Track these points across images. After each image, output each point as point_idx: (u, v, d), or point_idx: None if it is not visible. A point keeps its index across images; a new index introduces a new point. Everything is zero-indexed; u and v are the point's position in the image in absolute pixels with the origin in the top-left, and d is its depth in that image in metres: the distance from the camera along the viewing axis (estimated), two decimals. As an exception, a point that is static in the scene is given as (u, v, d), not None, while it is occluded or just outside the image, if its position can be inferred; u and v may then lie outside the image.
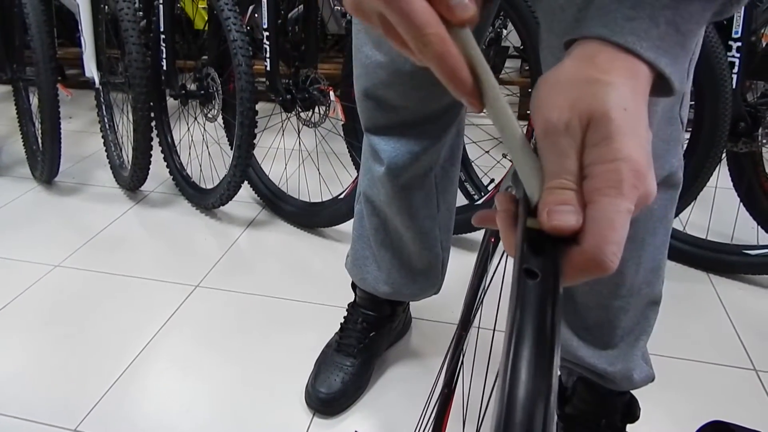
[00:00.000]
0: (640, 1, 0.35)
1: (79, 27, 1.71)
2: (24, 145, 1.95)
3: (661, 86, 0.37)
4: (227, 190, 1.56)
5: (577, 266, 0.31)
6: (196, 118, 1.78)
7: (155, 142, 1.71)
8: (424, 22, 0.32)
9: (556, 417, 0.24)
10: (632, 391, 0.88)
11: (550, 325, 0.27)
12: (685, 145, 1.32)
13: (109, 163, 1.88)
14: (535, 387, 0.24)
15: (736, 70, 1.23)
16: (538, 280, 0.28)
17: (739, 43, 1.21)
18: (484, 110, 0.35)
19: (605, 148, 0.31)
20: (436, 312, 1.24)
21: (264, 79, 1.52)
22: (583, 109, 0.32)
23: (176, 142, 1.84)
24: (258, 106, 1.46)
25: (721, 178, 1.39)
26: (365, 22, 0.34)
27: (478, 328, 0.65)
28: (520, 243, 0.31)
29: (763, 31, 1.43)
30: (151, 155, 1.68)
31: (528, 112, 0.40)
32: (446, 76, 0.33)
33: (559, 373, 0.26)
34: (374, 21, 0.33)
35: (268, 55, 1.48)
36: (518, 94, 2.46)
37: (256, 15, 1.61)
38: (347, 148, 1.53)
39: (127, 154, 1.82)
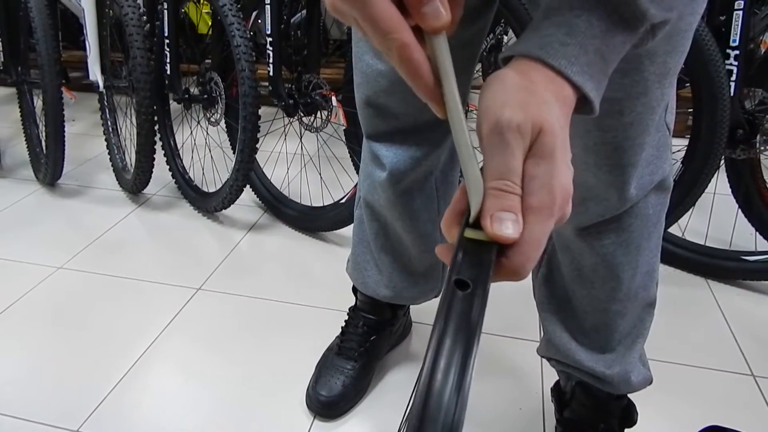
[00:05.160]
0: (574, 29, 0.38)
1: (84, 31, 1.72)
2: (27, 147, 1.96)
3: (582, 108, 0.40)
4: (229, 194, 1.57)
5: (501, 274, 0.33)
6: (199, 122, 1.79)
7: (158, 146, 1.72)
8: (387, 26, 0.33)
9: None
10: (630, 396, 0.89)
11: (472, 338, 0.27)
12: (683, 152, 1.34)
13: (112, 166, 1.89)
14: (448, 402, 0.25)
15: (734, 77, 1.24)
16: (468, 292, 0.29)
17: (737, 51, 1.23)
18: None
19: (547, 166, 0.33)
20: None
21: (267, 84, 1.53)
22: (535, 116, 0.34)
23: (179, 146, 1.85)
24: (260, 111, 1.47)
25: (719, 185, 1.40)
26: (344, 22, 0.36)
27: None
28: (455, 252, 0.32)
29: (761, 38, 1.44)
30: (153, 158, 1.69)
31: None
32: (409, 79, 0.35)
33: (470, 377, 0.27)
34: (351, 22, 0.35)
35: (271, 60, 1.49)
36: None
37: (259, 20, 1.62)
38: (349, 152, 1.54)
39: (130, 157, 1.83)
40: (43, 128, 1.77)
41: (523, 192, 0.33)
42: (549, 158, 0.33)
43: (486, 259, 0.31)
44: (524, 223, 0.32)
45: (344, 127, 1.49)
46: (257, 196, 1.74)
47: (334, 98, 1.48)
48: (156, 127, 1.68)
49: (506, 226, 0.32)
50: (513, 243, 0.32)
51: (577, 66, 0.37)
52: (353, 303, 1.10)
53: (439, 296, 1.00)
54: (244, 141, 1.47)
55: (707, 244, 1.43)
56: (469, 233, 0.32)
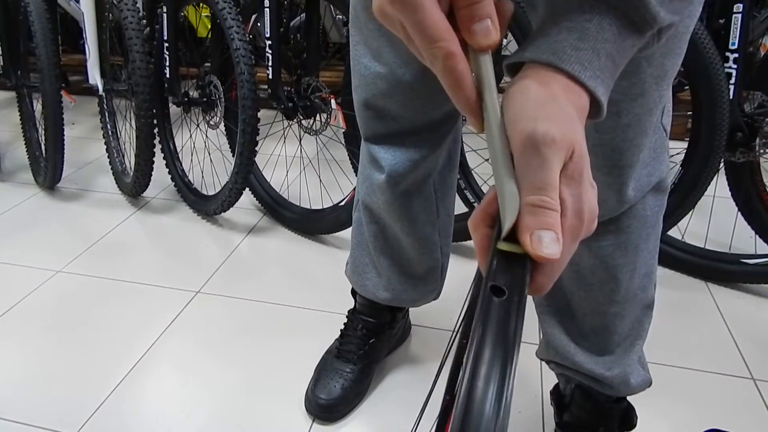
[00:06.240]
0: (585, 33, 0.37)
1: (84, 34, 1.72)
2: (27, 151, 1.96)
3: (590, 113, 0.39)
4: (229, 197, 1.57)
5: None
6: (198, 125, 1.79)
7: (157, 149, 1.72)
8: (435, 35, 0.33)
9: None
10: (630, 399, 0.89)
11: (511, 345, 0.27)
12: (683, 155, 1.34)
13: (112, 169, 1.89)
14: (489, 408, 0.25)
15: (733, 80, 1.24)
16: (504, 299, 0.29)
17: (736, 55, 1.23)
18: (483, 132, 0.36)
19: (577, 189, 0.34)
20: (435, 318, 1.25)
21: (266, 87, 1.53)
22: (569, 135, 0.34)
23: (178, 149, 1.85)
24: (260, 114, 1.47)
25: (719, 188, 1.40)
26: (389, 28, 0.36)
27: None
28: (490, 261, 0.32)
29: (761, 41, 1.44)
30: (153, 162, 1.69)
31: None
32: (450, 90, 0.35)
33: (513, 387, 0.27)
34: (397, 28, 0.35)
35: (270, 63, 1.50)
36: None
37: (258, 23, 1.63)
38: (348, 155, 1.54)
39: (130, 160, 1.84)
40: (43, 132, 1.77)
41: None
42: (578, 180, 0.34)
43: (520, 269, 0.31)
44: None
45: (343, 130, 1.49)
46: (256, 199, 1.74)
47: (333, 101, 1.48)
48: (155, 131, 1.68)
49: (547, 245, 0.31)
50: (546, 261, 0.32)
51: (590, 71, 0.37)
52: (352, 306, 1.10)
53: (438, 298, 0.99)
54: (244, 144, 1.48)
55: (707, 247, 1.43)
56: (503, 246, 0.32)
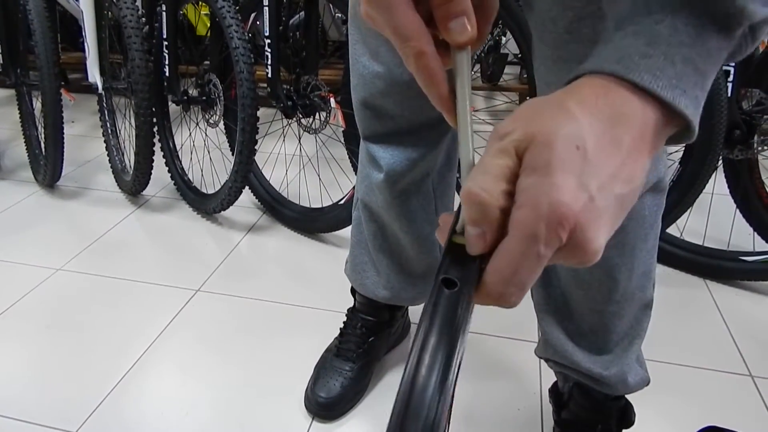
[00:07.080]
0: (655, 37, 0.32)
1: (83, 32, 1.72)
2: (27, 149, 1.96)
3: (677, 130, 0.34)
4: (228, 195, 1.58)
5: (480, 294, 0.31)
6: (197, 124, 1.79)
7: (157, 147, 1.72)
8: (407, 35, 0.34)
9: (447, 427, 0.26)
10: (628, 397, 0.89)
11: (456, 336, 0.28)
12: (681, 153, 1.34)
13: (111, 167, 1.90)
14: (430, 399, 0.26)
15: (731, 78, 1.24)
16: (455, 290, 0.29)
17: (734, 52, 1.23)
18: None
19: (538, 179, 0.29)
20: (434, 317, 1.25)
21: (265, 86, 1.53)
22: (529, 126, 0.30)
23: (178, 147, 1.85)
24: (259, 112, 1.47)
25: (717, 185, 1.40)
26: (377, 29, 0.36)
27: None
28: (444, 254, 0.32)
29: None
30: (152, 160, 1.70)
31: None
32: (423, 86, 0.36)
33: (456, 378, 0.28)
34: (381, 27, 0.36)
35: (269, 61, 1.50)
36: (517, 101, 2.48)
37: (257, 22, 1.63)
38: (347, 154, 1.54)
39: (129, 158, 1.84)
40: (43, 130, 1.78)
41: (515, 205, 0.30)
42: (541, 171, 0.29)
43: (473, 263, 0.31)
44: (506, 236, 0.30)
45: (343, 129, 1.49)
46: (256, 198, 1.74)
47: (332, 100, 1.48)
48: (155, 129, 1.68)
49: (470, 241, 0.30)
50: (491, 256, 0.30)
51: (664, 80, 0.31)
52: (352, 304, 1.10)
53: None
54: (243, 142, 1.48)
55: (705, 245, 1.43)
56: (458, 239, 0.33)
